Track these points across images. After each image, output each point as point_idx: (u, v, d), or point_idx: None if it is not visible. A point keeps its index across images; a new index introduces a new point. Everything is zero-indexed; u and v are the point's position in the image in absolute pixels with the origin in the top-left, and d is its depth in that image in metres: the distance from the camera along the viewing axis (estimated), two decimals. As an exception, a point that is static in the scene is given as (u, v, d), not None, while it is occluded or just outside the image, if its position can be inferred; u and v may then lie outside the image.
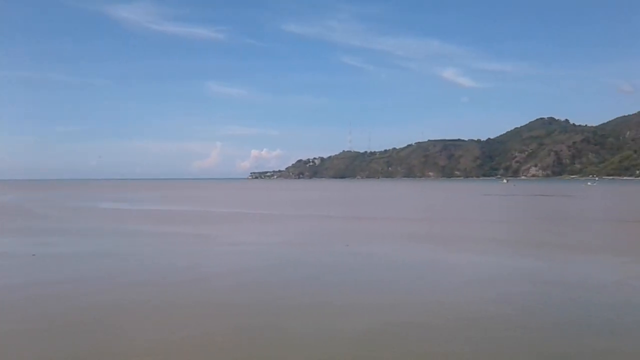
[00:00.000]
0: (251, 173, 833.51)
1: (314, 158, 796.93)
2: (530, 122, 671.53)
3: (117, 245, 44.62)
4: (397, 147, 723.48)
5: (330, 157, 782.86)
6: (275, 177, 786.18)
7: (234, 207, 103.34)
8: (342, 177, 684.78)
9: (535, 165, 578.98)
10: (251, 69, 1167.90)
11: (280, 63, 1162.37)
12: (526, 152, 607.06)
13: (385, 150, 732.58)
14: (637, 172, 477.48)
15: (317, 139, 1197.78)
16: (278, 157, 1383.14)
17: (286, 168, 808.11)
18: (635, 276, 31.43)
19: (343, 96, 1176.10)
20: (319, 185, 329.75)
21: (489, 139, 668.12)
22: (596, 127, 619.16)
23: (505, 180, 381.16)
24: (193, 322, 20.28)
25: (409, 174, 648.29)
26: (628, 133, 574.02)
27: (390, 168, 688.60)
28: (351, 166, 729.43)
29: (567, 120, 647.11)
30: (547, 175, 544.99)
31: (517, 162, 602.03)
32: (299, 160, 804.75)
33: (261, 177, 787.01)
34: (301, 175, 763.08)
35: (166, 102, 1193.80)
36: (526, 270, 33.52)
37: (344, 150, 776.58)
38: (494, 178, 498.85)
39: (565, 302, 24.72)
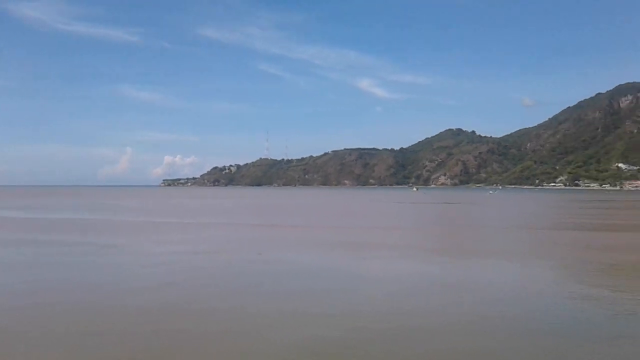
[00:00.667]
0: (164, 180, 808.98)
1: (230, 165, 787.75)
2: (440, 133, 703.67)
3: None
4: (314, 155, 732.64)
5: (246, 164, 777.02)
6: (189, 184, 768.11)
7: (142, 216, 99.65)
8: (259, 184, 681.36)
9: (445, 174, 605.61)
10: (167, 73, 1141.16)
11: (197, 68, 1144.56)
12: (436, 162, 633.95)
13: (302, 158, 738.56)
14: (537, 181, 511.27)
15: (234, 146, 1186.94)
16: (192, 164, 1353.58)
17: (201, 175, 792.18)
18: (532, 280, 33.95)
19: (261, 103, 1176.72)
20: (234, 193, 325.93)
21: (402, 148, 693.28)
22: (500, 138, 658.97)
23: (415, 189, 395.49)
24: (107, 330, 19.29)
25: (326, 181, 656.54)
26: (529, 144, 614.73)
27: (307, 176, 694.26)
28: (268, 174, 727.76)
29: (474, 132, 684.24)
30: (455, 184, 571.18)
31: (427, 171, 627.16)
32: (215, 168, 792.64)
33: (174, 185, 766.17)
34: (217, 183, 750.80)
35: (75, 106, 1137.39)
36: (434, 275, 34.92)
37: (260, 158, 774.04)
38: (406, 186, 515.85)
39: (466, 305, 25.98)
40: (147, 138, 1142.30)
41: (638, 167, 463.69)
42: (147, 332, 20.00)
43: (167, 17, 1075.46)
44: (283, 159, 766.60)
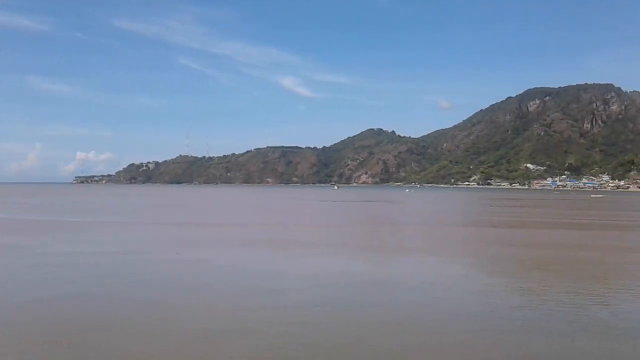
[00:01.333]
0: (76, 177, 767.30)
1: (148, 162, 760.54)
2: (361, 132, 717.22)
3: None
4: (237, 153, 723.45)
5: (165, 161, 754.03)
6: (104, 181, 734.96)
7: (52, 215, 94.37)
8: (179, 182, 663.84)
9: (366, 173, 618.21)
10: (80, 65, 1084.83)
11: (113, 61, 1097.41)
12: (358, 161, 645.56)
13: (224, 156, 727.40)
14: (452, 180, 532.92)
15: (152, 143, 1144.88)
16: (107, 161, 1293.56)
17: (116, 172, 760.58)
18: (448, 275, 35.41)
19: (181, 99, 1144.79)
20: (152, 191, 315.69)
21: (324, 147, 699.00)
22: (418, 138, 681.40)
23: (336, 187, 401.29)
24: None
25: (248, 179, 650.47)
26: (445, 145, 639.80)
27: (229, 174, 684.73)
28: (188, 171, 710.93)
29: (393, 132, 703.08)
30: (376, 182, 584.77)
31: (349, 169, 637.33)
32: (131, 164, 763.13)
33: (88, 182, 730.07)
34: (133, 180, 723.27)
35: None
36: (356, 272, 35.36)
37: (180, 155, 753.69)
38: (328, 184, 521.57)
39: (384, 299, 26.62)
40: (58, 133, 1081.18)
41: (544, 168, 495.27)
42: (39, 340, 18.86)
43: (81, 6, 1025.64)
44: (204, 157, 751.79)
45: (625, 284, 33.36)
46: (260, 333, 20.13)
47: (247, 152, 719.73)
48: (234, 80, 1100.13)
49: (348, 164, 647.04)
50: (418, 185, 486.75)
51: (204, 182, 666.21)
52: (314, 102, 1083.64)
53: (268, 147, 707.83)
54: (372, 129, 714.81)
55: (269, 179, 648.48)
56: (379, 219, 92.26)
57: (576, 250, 49.19)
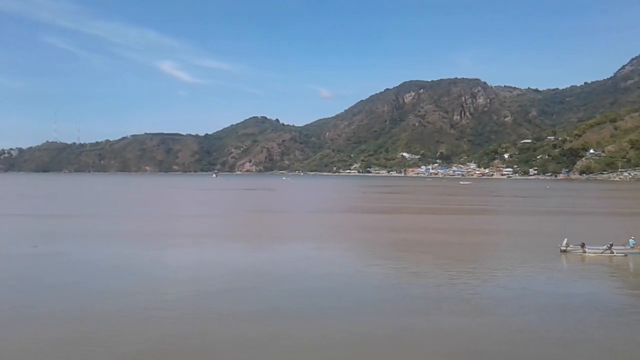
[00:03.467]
0: None
1: (11, 149, 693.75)
2: (245, 120, 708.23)
3: None
4: (111, 140, 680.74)
5: (31, 148, 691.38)
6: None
7: None
8: (46, 170, 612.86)
9: (250, 161, 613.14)
10: None
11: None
12: (241, 149, 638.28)
13: (97, 142, 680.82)
14: (335, 168, 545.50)
15: (15, 128, 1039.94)
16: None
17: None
18: (328, 260, 35.91)
19: (48, 81, 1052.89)
20: (13, 180, 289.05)
21: (207, 134, 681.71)
22: (302, 127, 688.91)
23: (214, 175, 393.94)
24: None
25: (124, 168, 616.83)
26: (327, 134, 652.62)
27: (102, 161, 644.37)
28: (57, 159, 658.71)
29: (277, 120, 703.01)
30: (260, 171, 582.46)
31: (233, 157, 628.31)
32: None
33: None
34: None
35: None
36: (236, 261, 35.07)
37: (47, 141, 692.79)
38: (211, 173, 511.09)
39: (257, 290, 26.61)
40: None
41: (419, 156, 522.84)
42: None
43: None
44: (75, 143, 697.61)
45: (483, 264, 35.90)
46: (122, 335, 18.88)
47: (123, 138, 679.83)
48: (107, 62, 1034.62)
49: (232, 152, 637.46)
50: (301, 173, 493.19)
51: (75, 171, 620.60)
52: (195, 88, 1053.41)
53: (146, 133, 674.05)
54: (256, 117, 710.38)
55: (147, 167, 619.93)
56: (257, 207, 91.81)
57: (442, 233, 52.22)
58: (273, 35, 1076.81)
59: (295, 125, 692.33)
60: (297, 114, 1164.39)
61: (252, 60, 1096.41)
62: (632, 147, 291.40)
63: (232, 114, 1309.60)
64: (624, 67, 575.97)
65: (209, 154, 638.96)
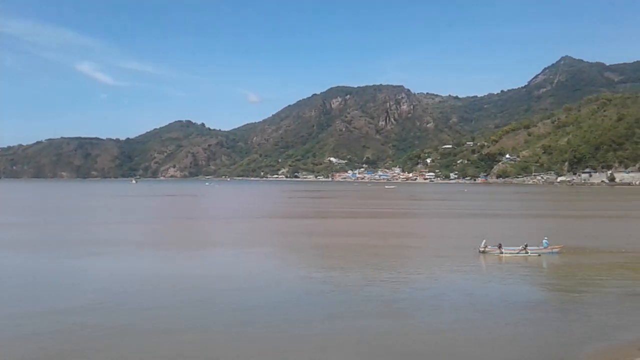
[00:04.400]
0: None
1: None
2: (169, 124, 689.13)
3: None
4: (24, 144, 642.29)
5: None
6: None
7: None
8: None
9: (174, 166, 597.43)
10: None
11: None
12: (165, 153, 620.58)
13: (9, 147, 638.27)
14: (262, 173, 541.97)
15: None
16: None
17: None
18: (255, 265, 34.65)
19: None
20: None
21: (128, 138, 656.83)
22: (229, 132, 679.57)
23: (134, 181, 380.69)
24: None
25: (39, 174, 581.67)
26: (255, 138, 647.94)
27: (15, 167, 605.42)
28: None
29: (203, 124, 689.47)
30: (185, 176, 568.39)
31: (156, 162, 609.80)
32: None
33: None
34: None
35: None
36: (156, 271, 33.57)
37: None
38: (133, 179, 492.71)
39: (174, 298, 25.45)
40: None
41: (345, 161, 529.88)
42: None
43: None
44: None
45: (404, 266, 35.56)
46: None
47: (37, 143, 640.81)
48: (20, 62, 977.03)
49: (155, 157, 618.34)
50: (228, 179, 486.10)
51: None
52: (117, 91, 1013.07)
53: (62, 137, 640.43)
54: (180, 121, 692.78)
55: (63, 173, 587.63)
56: (179, 214, 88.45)
57: (365, 237, 51.71)
58: (198, 37, 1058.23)
59: (222, 129, 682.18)
60: (223, 119, 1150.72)
61: (176, 63, 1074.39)
62: (544, 152, 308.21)
63: (156, 117, 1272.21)
64: (537, 76, 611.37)
65: (130, 159, 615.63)
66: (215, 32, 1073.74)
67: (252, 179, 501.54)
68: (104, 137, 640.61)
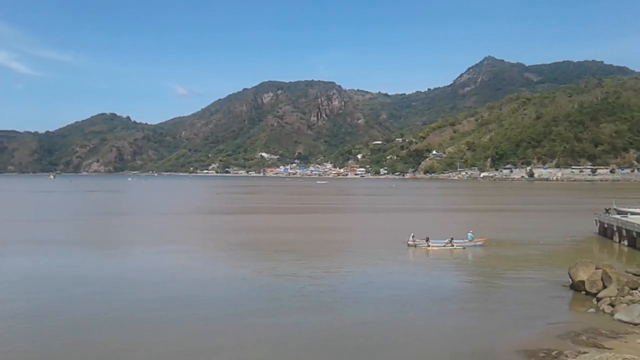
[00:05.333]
0: None
1: None
2: (92, 117, 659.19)
3: None
4: None
5: None
6: None
7: None
8: None
9: (98, 161, 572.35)
10: None
11: None
12: (88, 147, 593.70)
13: None
14: (192, 168, 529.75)
15: None
16: None
17: None
18: (172, 264, 32.95)
19: None
20: None
21: (48, 131, 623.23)
22: (156, 125, 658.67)
23: (52, 176, 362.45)
24: None
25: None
26: (184, 133, 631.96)
27: None
28: None
29: (128, 117, 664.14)
30: (109, 171, 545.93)
31: (78, 157, 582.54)
32: None
33: None
34: None
35: None
36: (85, 269, 31.96)
37: None
38: (54, 174, 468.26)
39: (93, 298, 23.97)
40: None
41: (277, 156, 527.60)
42: None
43: None
44: None
45: (333, 261, 35.23)
46: None
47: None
48: None
49: (76, 151, 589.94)
50: (155, 174, 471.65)
51: None
52: (35, 81, 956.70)
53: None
54: (104, 114, 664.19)
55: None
56: (99, 211, 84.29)
57: (294, 232, 51.18)
58: (123, 26, 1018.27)
59: (149, 123, 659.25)
60: (150, 112, 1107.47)
61: (101, 54, 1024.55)
62: (468, 149, 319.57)
63: (78, 110, 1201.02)
64: (461, 75, 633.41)
65: (50, 153, 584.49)
66: (140, 22, 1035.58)
67: (180, 174, 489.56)
68: (22, 130, 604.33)
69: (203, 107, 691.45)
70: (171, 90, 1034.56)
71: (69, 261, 34.70)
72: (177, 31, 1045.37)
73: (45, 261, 34.66)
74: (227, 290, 26.13)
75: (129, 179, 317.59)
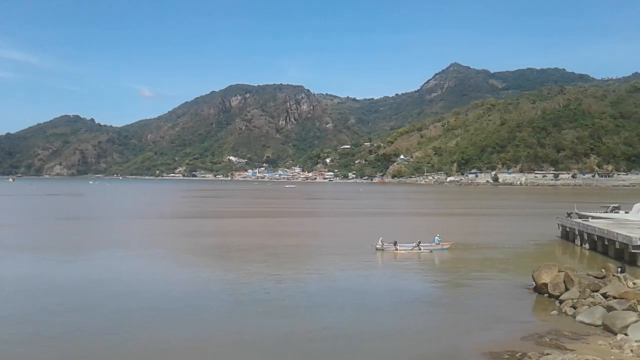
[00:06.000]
0: None
1: None
2: (55, 119, 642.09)
3: None
4: None
5: None
6: None
7: None
8: None
9: (60, 164, 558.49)
10: None
11: None
12: (50, 150, 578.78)
13: None
14: (158, 172, 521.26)
15: None
16: None
17: None
18: (133, 269, 32.17)
19: None
20: None
21: (8, 133, 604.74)
22: (121, 128, 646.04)
23: (11, 180, 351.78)
24: None
25: None
26: (149, 135, 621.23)
27: None
28: None
29: (92, 120, 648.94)
30: (73, 174, 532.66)
31: (40, 160, 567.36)
32: None
33: None
34: None
35: None
36: (51, 276, 30.85)
37: None
38: (15, 177, 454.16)
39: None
40: None
41: (245, 160, 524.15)
42: None
43: None
44: None
45: (301, 266, 35.04)
46: None
47: None
48: None
49: (38, 154, 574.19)
50: (120, 178, 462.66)
51: None
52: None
53: None
54: (67, 116, 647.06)
55: None
56: (62, 214, 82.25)
57: (262, 236, 50.73)
58: (88, 27, 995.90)
59: (114, 125, 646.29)
60: (115, 114, 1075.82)
61: (64, 54, 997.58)
62: (435, 154, 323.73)
63: (40, 111, 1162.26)
64: (428, 81, 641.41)
65: (10, 156, 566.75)
66: (105, 23, 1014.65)
67: (146, 177, 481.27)
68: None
69: (170, 109, 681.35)
70: (137, 92, 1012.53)
71: (29, 267, 33.65)
72: (143, 32, 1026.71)
73: (4, 267, 33.54)
74: (190, 296, 25.69)
75: (90, 182, 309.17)
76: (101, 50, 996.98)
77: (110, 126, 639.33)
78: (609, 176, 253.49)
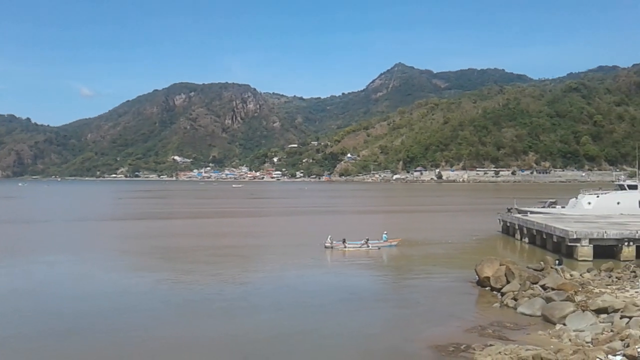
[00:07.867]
0: None
1: None
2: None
3: None
4: None
5: None
6: None
7: None
8: None
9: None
10: None
11: None
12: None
13: None
14: (98, 172, 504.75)
15: None
16: None
17: None
18: (70, 273, 31.35)
19: None
20: None
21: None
22: (58, 127, 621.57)
23: None
24: None
25: None
26: (89, 135, 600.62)
27: None
28: None
29: (29, 119, 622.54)
30: (8, 176, 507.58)
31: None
32: None
33: None
34: None
35: None
36: None
37: None
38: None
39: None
40: None
41: (191, 160, 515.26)
42: None
43: None
44: None
45: (249, 266, 34.68)
46: None
47: None
48: None
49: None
50: (58, 179, 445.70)
51: None
52: None
53: None
54: (1, 115, 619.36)
55: None
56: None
57: (204, 237, 50.00)
58: (23, 21, 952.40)
59: (51, 125, 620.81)
60: (52, 113, 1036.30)
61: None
62: (381, 152, 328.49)
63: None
64: (374, 80, 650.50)
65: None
66: (41, 16, 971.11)
67: (86, 178, 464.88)
68: None
69: (110, 108, 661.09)
70: (75, 90, 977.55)
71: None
72: (81, 27, 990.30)
73: None
74: (132, 299, 24.99)
75: (20, 184, 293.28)
76: (37, 48, 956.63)
77: (48, 126, 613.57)
78: (546, 173, 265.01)
